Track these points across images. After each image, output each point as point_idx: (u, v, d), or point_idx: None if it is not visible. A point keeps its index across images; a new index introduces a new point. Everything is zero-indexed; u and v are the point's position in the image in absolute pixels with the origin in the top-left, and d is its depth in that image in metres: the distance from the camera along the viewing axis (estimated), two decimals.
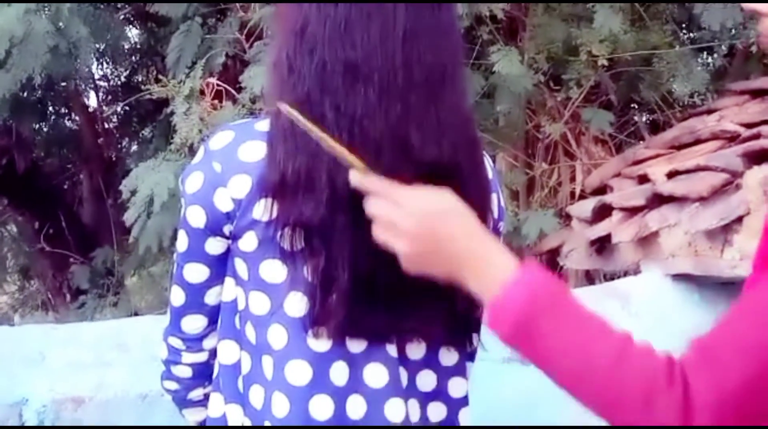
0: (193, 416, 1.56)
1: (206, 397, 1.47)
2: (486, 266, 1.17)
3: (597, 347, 1.07)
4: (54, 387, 2.10)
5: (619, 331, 1.10)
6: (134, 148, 7.77)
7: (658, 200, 3.14)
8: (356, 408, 1.32)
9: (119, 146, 7.95)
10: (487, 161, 1.46)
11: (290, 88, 1.31)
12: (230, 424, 1.38)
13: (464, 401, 1.45)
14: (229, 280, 1.38)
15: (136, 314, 4.98)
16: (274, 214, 1.29)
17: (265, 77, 3.57)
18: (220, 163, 1.33)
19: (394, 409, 1.33)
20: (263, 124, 1.35)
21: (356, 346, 1.32)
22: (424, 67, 1.31)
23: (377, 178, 1.21)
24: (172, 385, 1.52)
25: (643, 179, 3.43)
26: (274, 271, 1.31)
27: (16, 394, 2.05)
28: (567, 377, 1.09)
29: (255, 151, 1.32)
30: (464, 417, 1.45)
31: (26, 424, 2.04)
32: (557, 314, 1.10)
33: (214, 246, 1.36)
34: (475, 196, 1.36)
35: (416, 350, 1.38)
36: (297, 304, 1.30)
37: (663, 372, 1.04)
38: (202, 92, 3.99)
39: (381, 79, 1.28)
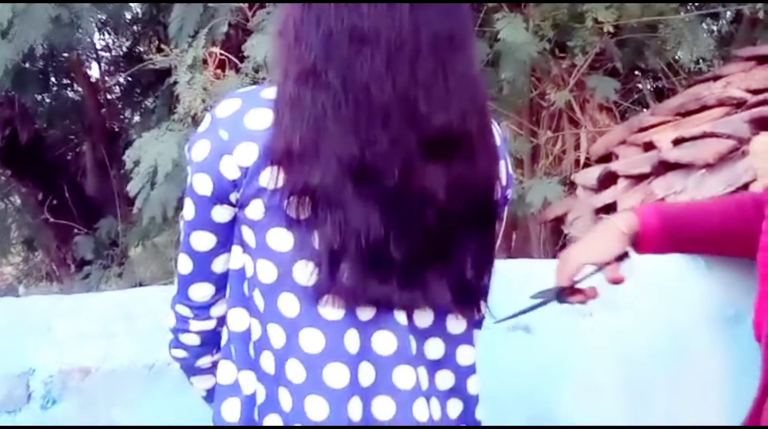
0: (201, 384, 1.56)
1: (214, 364, 1.48)
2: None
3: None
4: (61, 357, 2.10)
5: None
6: (137, 118, 7.76)
7: (664, 167, 3.14)
8: (367, 375, 1.32)
9: (122, 117, 7.94)
10: (496, 128, 1.45)
11: (296, 56, 1.30)
12: (244, 389, 1.38)
13: (472, 369, 1.45)
14: (236, 248, 1.38)
15: (140, 285, 5.00)
16: (281, 182, 1.29)
17: (270, 46, 3.55)
18: (227, 130, 1.32)
19: (404, 376, 1.33)
20: (270, 92, 1.34)
21: (365, 314, 1.32)
22: (432, 33, 1.30)
23: None
24: (181, 353, 1.52)
25: (649, 147, 3.42)
26: (281, 239, 1.30)
27: (23, 365, 2.05)
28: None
29: (262, 118, 1.31)
30: (472, 385, 1.45)
31: (33, 395, 2.04)
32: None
33: (221, 214, 1.36)
34: (483, 163, 1.36)
35: (424, 318, 1.38)
36: (305, 273, 1.30)
37: None
38: (205, 61, 3.98)
39: (388, 47, 1.27)
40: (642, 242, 1.62)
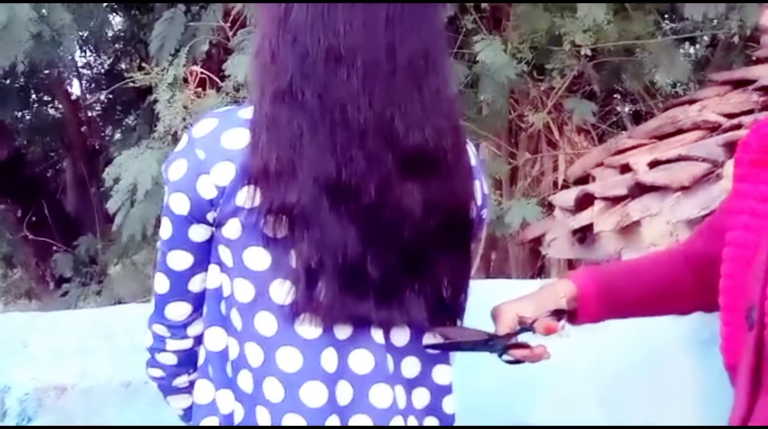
0: (178, 403, 1.56)
1: (191, 384, 1.47)
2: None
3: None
4: (36, 375, 2.10)
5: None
6: (118, 136, 7.74)
7: (640, 190, 3.16)
8: (344, 393, 1.33)
9: (102, 134, 7.92)
10: (470, 148, 1.46)
11: (273, 76, 1.31)
12: (221, 409, 1.38)
13: (448, 388, 1.46)
14: (213, 267, 1.38)
15: (119, 302, 4.97)
16: (257, 202, 1.29)
17: (249, 65, 3.57)
18: (204, 150, 1.33)
19: (380, 395, 1.34)
20: (246, 112, 1.35)
21: (342, 332, 1.33)
22: (407, 53, 1.31)
23: None
24: (157, 373, 1.52)
25: (625, 169, 3.46)
26: (258, 258, 1.31)
27: None
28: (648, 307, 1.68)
29: (238, 138, 1.32)
30: (448, 404, 1.45)
31: (8, 412, 2.04)
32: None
33: (198, 233, 1.36)
34: (458, 182, 1.37)
35: (401, 336, 1.38)
36: (282, 292, 1.30)
37: None
38: (185, 80, 3.98)
39: (364, 66, 1.29)
40: (579, 310, 1.55)
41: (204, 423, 1.40)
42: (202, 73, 4.02)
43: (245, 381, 1.33)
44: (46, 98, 7.71)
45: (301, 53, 1.29)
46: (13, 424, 2.05)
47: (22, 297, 7.79)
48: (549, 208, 4.01)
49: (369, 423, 1.33)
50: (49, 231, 7.11)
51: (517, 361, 1.47)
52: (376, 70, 1.29)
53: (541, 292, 1.55)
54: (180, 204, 1.35)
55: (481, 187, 1.47)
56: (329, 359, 1.32)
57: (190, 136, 1.37)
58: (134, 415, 2.13)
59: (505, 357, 1.47)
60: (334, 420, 1.31)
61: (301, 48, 1.29)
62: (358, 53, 1.28)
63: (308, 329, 1.31)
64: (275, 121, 1.29)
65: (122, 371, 2.15)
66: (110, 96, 7.35)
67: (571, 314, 1.55)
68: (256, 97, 1.33)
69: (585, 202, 3.47)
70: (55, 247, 6.91)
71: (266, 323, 1.31)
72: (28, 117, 7.56)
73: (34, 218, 7.30)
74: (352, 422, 1.33)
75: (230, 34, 4.13)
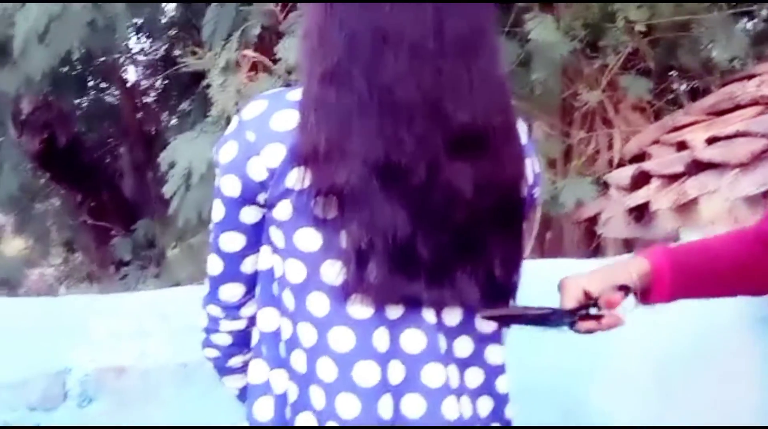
0: (233, 383, 1.57)
1: (245, 364, 1.49)
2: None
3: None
4: (96, 357, 2.14)
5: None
6: (173, 121, 7.83)
7: (698, 167, 3.11)
8: (396, 373, 1.33)
9: (158, 119, 8.02)
10: (521, 127, 1.45)
11: (320, 57, 1.31)
12: (275, 389, 1.39)
13: (501, 368, 1.45)
14: (265, 249, 1.39)
15: (177, 285, 5.03)
16: (308, 183, 1.29)
17: (298, 47, 3.58)
18: (254, 132, 1.34)
19: (433, 374, 1.34)
20: (295, 94, 1.35)
21: (393, 312, 1.33)
22: (456, 32, 1.30)
23: None
24: (212, 353, 1.53)
25: (682, 146, 3.40)
26: (309, 239, 1.31)
27: (60, 364, 2.09)
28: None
29: (288, 119, 1.32)
30: (502, 384, 1.45)
31: (69, 393, 2.08)
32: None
33: (250, 215, 1.37)
34: (509, 161, 1.36)
35: (453, 316, 1.38)
36: (333, 272, 1.31)
37: None
38: (237, 64, 4.01)
39: (412, 46, 1.28)
40: (653, 287, 1.52)
41: (258, 403, 1.41)
42: (254, 56, 4.04)
43: (298, 361, 1.34)
44: (102, 85, 7.82)
45: (348, 34, 1.29)
46: (74, 404, 2.09)
47: (84, 280, 7.94)
48: (604, 186, 3.96)
49: (422, 403, 1.33)
50: (108, 215, 7.24)
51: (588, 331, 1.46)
52: (423, 50, 1.28)
53: (611, 268, 1.54)
54: (231, 186, 1.36)
55: (532, 166, 1.46)
56: (381, 339, 1.32)
57: (240, 118, 1.37)
58: (191, 396, 2.16)
59: (574, 329, 1.47)
60: (387, 399, 1.32)
61: (348, 29, 1.29)
62: (405, 33, 1.28)
63: (360, 309, 1.31)
64: (323, 102, 1.29)
65: (179, 352, 2.18)
66: (165, 82, 7.45)
67: (644, 293, 1.53)
68: (305, 78, 1.33)
69: (641, 180, 3.42)
70: (114, 232, 7.02)
71: (318, 303, 1.32)
72: (85, 104, 7.69)
73: (93, 203, 7.43)
74: (403, 402, 1.33)
75: (281, 17, 4.14)
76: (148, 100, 8.00)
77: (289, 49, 3.77)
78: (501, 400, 1.45)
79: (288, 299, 1.35)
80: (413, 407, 1.33)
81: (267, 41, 4.50)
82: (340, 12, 1.30)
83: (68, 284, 8.44)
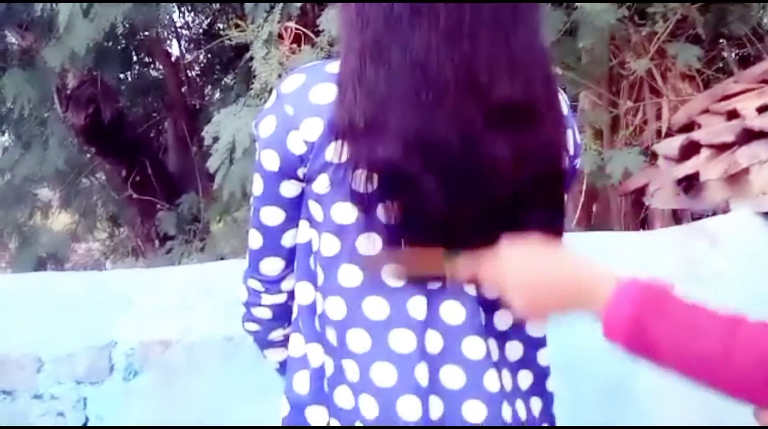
0: (274, 356, 1.58)
1: (286, 337, 1.49)
2: (592, 289, 1.22)
3: (704, 345, 1.12)
4: (141, 330, 2.15)
5: (728, 318, 1.13)
6: (217, 95, 7.86)
7: (748, 136, 3.04)
8: (434, 343, 1.32)
9: (202, 93, 8.05)
10: (562, 97, 1.42)
11: (358, 30, 1.29)
12: (312, 362, 1.39)
13: (543, 341, 1.44)
14: (303, 223, 1.38)
15: (222, 259, 5.07)
16: (345, 157, 1.28)
17: (336, 20, 3.55)
18: (292, 106, 1.33)
19: (473, 346, 1.32)
20: (334, 66, 1.34)
21: (433, 282, 1.32)
22: (494, 3, 1.28)
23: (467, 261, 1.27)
24: (253, 327, 1.54)
25: (732, 115, 3.33)
26: (346, 213, 1.30)
27: (105, 337, 2.10)
28: (688, 376, 1.15)
29: (326, 93, 1.31)
30: (543, 357, 1.44)
31: (115, 366, 2.09)
32: (665, 314, 1.15)
33: (289, 189, 1.37)
34: (550, 132, 1.34)
35: (493, 291, 1.37)
36: (370, 244, 1.30)
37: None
38: (280, 36, 3.99)
39: (448, 19, 1.26)
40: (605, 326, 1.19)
41: (296, 377, 1.41)
42: (296, 28, 4.01)
43: (331, 334, 1.34)
44: (146, 59, 7.86)
45: (385, 7, 1.27)
46: (120, 377, 2.10)
47: (129, 255, 8.02)
48: (652, 157, 3.89)
49: (461, 374, 1.32)
50: (153, 190, 7.29)
51: None
52: (460, 23, 1.26)
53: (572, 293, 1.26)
54: (271, 160, 1.35)
55: (573, 137, 1.43)
56: (418, 308, 1.31)
57: (278, 92, 1.36)
58: (236, 369, 2.17)
59: None
60: (423, 368, 1.31)
61: (385, 2, 1.27)
62: (442, 6, 1.26)
63: (393, 280, 1.30)
64: (361, 76, 1.27)
65: (224, 326, 2.19)
66: (209, 56, 7.45)
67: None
68: (343, 51, 1.31)
69: (690, 150, 3.35)
70: (158, 206, 7.08)
71: (351, 275, 1.31)
72: (129, 78, 7.73)
73: (138, 178, 7.49)
74: (443, 372, 1.32)
75: None
76: (192, 74, 8.03)
77: (331, 21, 3.74)
78: (542, 373, 1.45)
79: (320, 273, 1.34)
80: (452, 378, 1.32)
81: (309, 13, 4.47)
82: None
83: (114, 259, 8.53)
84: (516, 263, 1.26)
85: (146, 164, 7.43)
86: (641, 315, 1.15)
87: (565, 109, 1.42)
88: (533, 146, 1.31)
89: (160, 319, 2.20)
